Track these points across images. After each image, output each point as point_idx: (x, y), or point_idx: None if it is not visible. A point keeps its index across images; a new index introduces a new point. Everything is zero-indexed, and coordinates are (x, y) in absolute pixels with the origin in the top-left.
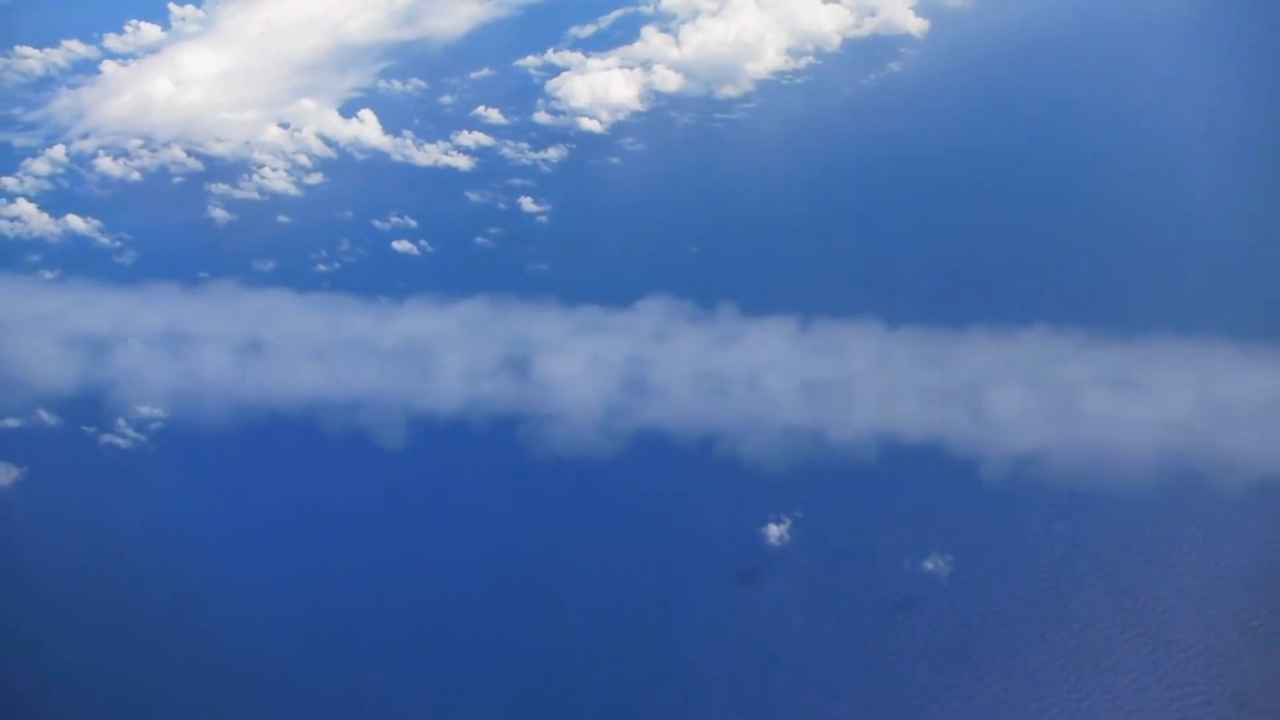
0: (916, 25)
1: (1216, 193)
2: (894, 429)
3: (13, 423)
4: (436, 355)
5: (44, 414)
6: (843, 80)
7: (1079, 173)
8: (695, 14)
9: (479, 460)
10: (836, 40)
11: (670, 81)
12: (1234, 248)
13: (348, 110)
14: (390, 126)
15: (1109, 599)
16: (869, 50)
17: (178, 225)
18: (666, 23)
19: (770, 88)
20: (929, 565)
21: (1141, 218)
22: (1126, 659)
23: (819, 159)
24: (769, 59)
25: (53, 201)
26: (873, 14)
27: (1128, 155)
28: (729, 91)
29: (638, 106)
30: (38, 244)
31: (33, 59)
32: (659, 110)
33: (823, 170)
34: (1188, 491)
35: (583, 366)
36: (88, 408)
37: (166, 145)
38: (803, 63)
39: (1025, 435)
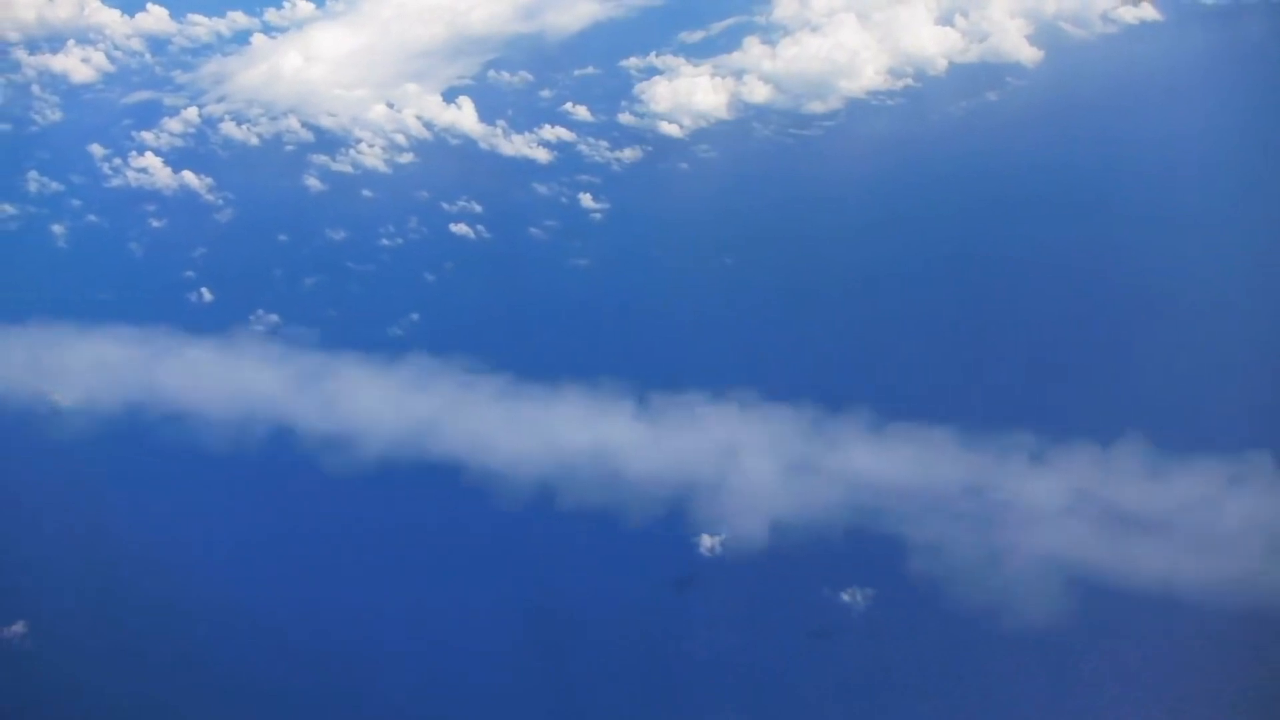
0: (1028, 54)
1: None
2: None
3: None
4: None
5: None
6: (933, 105)
7: (1158, 233)
8: (805, 26)
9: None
10: (943, 64)
11: (759, 92)
12: None
13: (450, 96)
14: (486, 115)
15: (1024, 670)
16: (973, 76)
17: (277, 190)
18: (772, 34)
19: (859, 107)
20: (845, 597)
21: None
22: None
23: (879, 180)
24: (867, 78)
25: (179, 158)
26: (982, 39)
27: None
28: (816, 107)
29: (724, 115)
30: (155, 195)
31: (201, 26)
32: (743, 120)
33: (879, 192)
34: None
35: None
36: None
37: (285, 115)
38: (900, 84)
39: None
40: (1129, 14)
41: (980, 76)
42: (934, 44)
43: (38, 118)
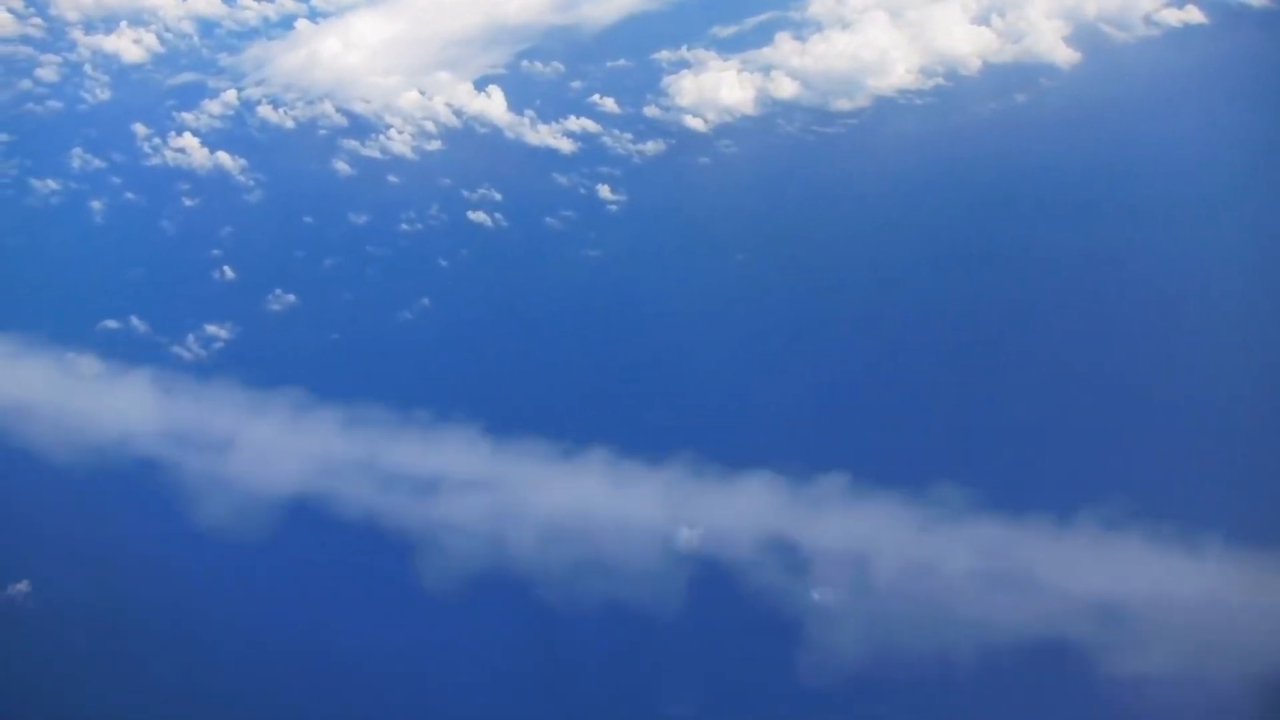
0: (1065, 56)
1: None
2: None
3: (112, 324)
4: None
5: (136, 320)
6: (960, 105)
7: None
8: (838, 23)
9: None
10: (976, 64)
11: (786, 88)
12: None
13: (481, 85)
14: (515, 105)
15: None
16: (1004, 77)
17: (306, 173)
18: (804, 29)
19: (886, 105)
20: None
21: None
22: None
23: (896, 179)
24: (897, 76)
25: (215, 138)
26: (1018, 40)
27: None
28: (843, 104)
29: (749, 110)
30: (189, 175)
31: (250, 10)
32: (768, 116)
33: (895, 191)
34: None
35: None
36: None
37: (320, 100)
38: (931, 83)
39: None
40: (1173, 16)
41: (1012, 77)
42: (968, 43)
43: (88, 96)
